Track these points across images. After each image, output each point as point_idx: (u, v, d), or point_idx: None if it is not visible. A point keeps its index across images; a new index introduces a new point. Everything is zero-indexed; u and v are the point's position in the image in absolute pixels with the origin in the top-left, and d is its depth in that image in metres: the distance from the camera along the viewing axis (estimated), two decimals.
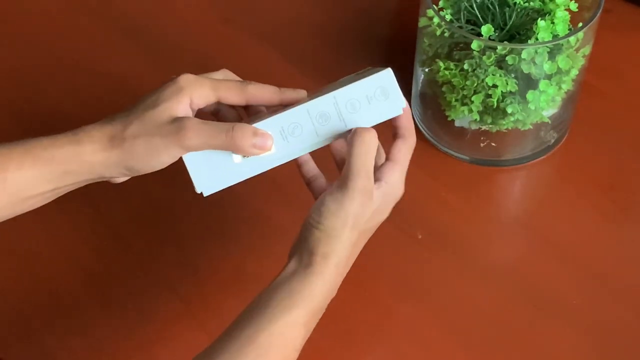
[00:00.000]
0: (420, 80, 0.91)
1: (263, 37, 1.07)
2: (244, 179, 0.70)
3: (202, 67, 1.02)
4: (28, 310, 0.81)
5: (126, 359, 0.77)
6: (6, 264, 0.85)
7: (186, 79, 0.69)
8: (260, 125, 0.68)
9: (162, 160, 0.67)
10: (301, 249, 0.66)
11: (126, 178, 0.71)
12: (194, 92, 0.68)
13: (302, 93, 0.72)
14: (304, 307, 0.64)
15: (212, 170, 0.69)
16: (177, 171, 0.92)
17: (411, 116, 0.71)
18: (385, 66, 0.70)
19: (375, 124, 0.70)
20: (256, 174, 0.70)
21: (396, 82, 0.70)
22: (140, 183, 0.91)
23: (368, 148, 0.67)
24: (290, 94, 0.72)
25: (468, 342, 0.77)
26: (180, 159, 0.68)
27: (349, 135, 0.68)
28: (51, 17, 1.11)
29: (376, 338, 0.78)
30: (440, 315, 0.79)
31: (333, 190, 0.67)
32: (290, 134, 0.69)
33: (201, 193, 0.69)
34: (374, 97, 0.69)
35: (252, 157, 0.69)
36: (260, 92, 0.71)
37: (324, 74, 0.98)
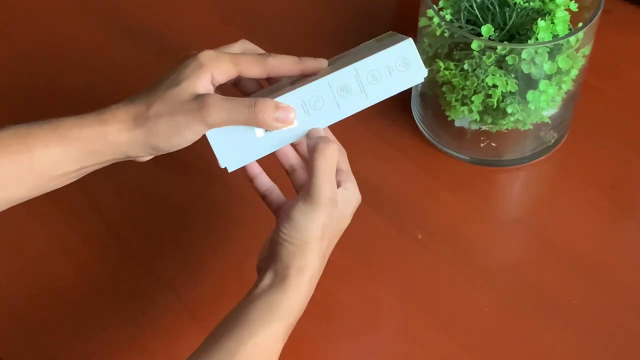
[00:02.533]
0: None
1: (263, 37, 1.07)
2: (267, 154, 0.70)
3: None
4: (28, 310, 0.81)
5: (126, 359, 0.77)
6: (6, 264, 0.85)
7: (206, 55, 0.70)
8: (281, 99, 0.69)
9: (186, 137, 0.67)
10: (275, 263, 0.67)
11: (150, 157, 0.71)
12: (214, 69, 0.69)
13: (323, 62, 0.73)
14: (282, 321, 0.65)
15: (235, 146, 0.69)
16: (177, 172, 0.93)
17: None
18: (405, 36, 0.71)
19: (395, 93, 0.70)
20: (279, 147, 0.71)
21: (417, 52, 0.70)
22: (141, 183, 0.91)
23: (330, 162, 0.68)
24: (311, 63, 0.73)
25: (468, 342, 0.77)
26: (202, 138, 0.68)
27: (311, 149, 0.68)
28: (51, 17, 1.12)
29: (376, 338, 0.78)
30: (440, 315, 0.79)
31: (299, 204, 0.67)
32: (312, 107, 0.69)
33: (225, 168, 0.70)
34: (395, 68, 0.70)
35: (275, 131, 0.69)
36: (281, 64, 0.72)
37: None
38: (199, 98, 0.67)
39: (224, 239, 0.86)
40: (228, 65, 0.70)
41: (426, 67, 0.86)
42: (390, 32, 0.77)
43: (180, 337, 0.78)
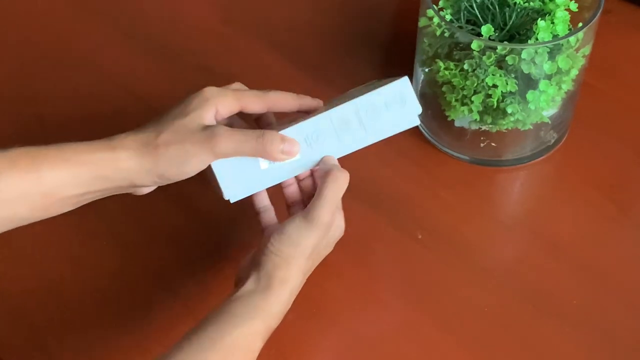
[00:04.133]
0: (420, 80, 0.91)
1: (263, 38, 1.07)
2: (271, 185, 0.73)
3: (202, 68, 1.03)
4: (28, 310, 0.81)
5: (126, 359, 0.77)
6: (7, 265, 0.85)
7: (210, 90, 0.72)
8: (286, 132, 0.71)
9: (193, 166, 0.70)
10: (257, 272, 0.70)
11: (153, 187, 0.73)
12: (219, 103, 0.72)
13: (319, 102, 0.77)
14: (263, 322, 0.68)
15: (240, 177, 0.72)
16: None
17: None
18: (399, 75, 0.75)
19: (393, 133, 0.75)
20: (282, 180, 0.74)
21: (412, 89, 0.74)
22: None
23: (339, 191, 0.72)
24: (308, 100, 0.77)
25: (468, 342, 0.77)
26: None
27: (324, 174, 0.72)
28: (51, 18, 1.12)
29: (376, 338, 0.78)
30: (440, 315, 0.79)
31: (297, 220, 0.71)
32: (315, 140, 0.72)
33: (228, 200, 0.72)
34: (392, 104, 0.73)
35: (278, 163, 0.72)
36: (280, 98, 0.75)
37: (324, 74, 0.99)
38: (209, 129, 0.69)
39: (223, 239, 0.86)
40: (231, 99, 0.72)
41: (426, 67, 0.87)
42: (375, 80, 0.82)
43: (180, 336, 0.78)
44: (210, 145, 0.68)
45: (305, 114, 0.76)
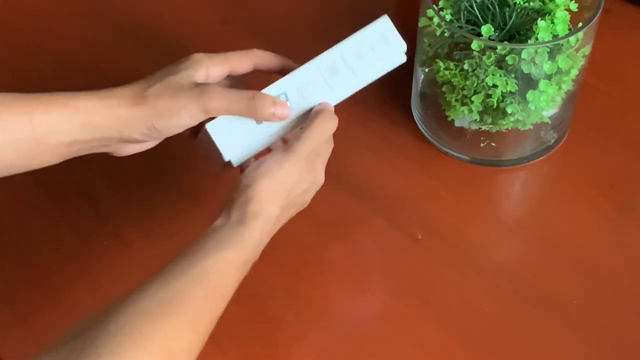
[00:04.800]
0: (420, 80, 0.91)
1: (262, 37, 1.07)
2: (270, 144, 0.72)
3: None
4: (28, 310, 0.81)
5: None
6: (5, 263, 0.85)
7: (199, 54, 0.73)
8: (276, 85, 0.71)
9: (183, 120, 0.69)
10: (229, 207, 0.68)
11: (141, 143, 0.72)
12: (210, 65, 0.72)
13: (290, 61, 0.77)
14: (235, 251, 0.65)
15: (237, 137, 0.71)
16: (177, 172, 0.93)
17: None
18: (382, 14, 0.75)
19: (382, 73, 0.74)
20: (279, 137, 0.73)
21: (394, 27, 0.74)
22: (140, 182, 0.91)
23: (325, 131, 0.71)
24: (290, 62, 0.77)
25: (468, 342, 0.77)
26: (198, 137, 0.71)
27: (313, 110, 0.71)
28: (50, 18, 1.12)
29: (376, 338, 0.78)
30: (440, 315, 0.79)
31: (277, 152, 0.70)
32: (306, 91, 0.72)
33: (229, 162, 0.72)
34: (377, 45, 0.74)
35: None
36: (264, 56, 0.76)
37: None
38: (200, 85, 0.69)
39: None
40: (220, 61, 0.73)
41: (426, 67, 0.87)
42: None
43: None
44: (201, 100, 0.68)
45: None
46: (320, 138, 0.71)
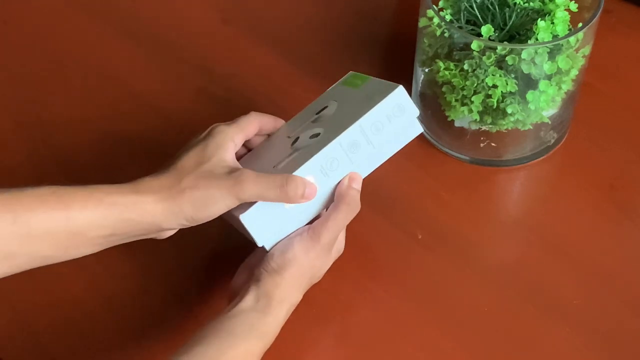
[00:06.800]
0: (420, 80, 0.91)
1: (262, 37, 1.07)
2: (301, 226, 0.74)
3: (202, 68, 1.03)
4: (28, 311, 0.81)
5: (126, 359, 0.77)
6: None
7: (219, 127, 0.75)
8: (304, 168, 0.72)
9: (218, 210, 0.71)
10: (256, 288, 0.70)
11: (173, 232, 0.74)
12: (233, 136, 0.75)
13: (281, 121, 0.81)
14: (259, 341, 0.68)
15: (269, 225, 0.73)
16: None
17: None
18: (391, 82, 0.76)
19: (402, 146, 0.77)
20: (310, 218, 0.75)
21: (409, 97, 0.75)
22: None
23: (350, 214, 0.74)
24: (280, 121, 0.81)
25: (468, 342, 0.77)
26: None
27: (339, 196, 0.74)
28: (50, 18, 1.12)
29: (376, 338, 0.78)
30: (440, 315, 0.79)
31: (303, 240, 0.72)
32: (329, 168, 0.74)
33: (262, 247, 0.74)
34: (393, 115, 0.75)
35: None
36: (264, 120, 0.79)
37: (324, 74, 0.98)
38: (234, 174, 0.70)
39: (224, 240, 0.86)
40: (239, 133, 0.76)
41: (426, 67, 0.87)
42: (351, 72, 0.83)
43: (181, 336, 0.78)
44: (236, 190, 0.69)
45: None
46: (344, 225, 0.74)
